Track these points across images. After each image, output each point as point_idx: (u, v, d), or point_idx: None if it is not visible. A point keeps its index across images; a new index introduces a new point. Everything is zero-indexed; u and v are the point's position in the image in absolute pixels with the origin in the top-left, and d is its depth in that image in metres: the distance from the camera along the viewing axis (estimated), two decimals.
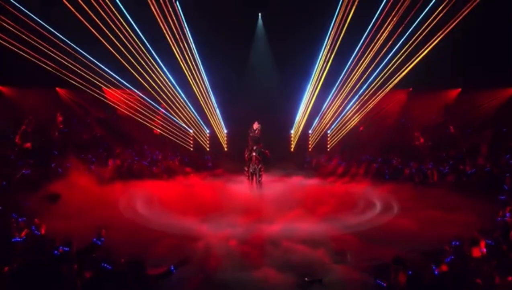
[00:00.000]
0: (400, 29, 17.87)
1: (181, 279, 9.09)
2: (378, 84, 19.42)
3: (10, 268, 8.42)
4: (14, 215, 11.44)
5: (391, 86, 19.29)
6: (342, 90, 20.04)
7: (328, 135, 21.33)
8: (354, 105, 20.42)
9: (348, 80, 19.67)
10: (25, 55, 16.59)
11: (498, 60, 17.75)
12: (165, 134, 20.70)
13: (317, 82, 20.46)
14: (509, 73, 18.05)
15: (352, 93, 20.01)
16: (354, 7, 18.27)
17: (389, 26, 17.91)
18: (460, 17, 17.00)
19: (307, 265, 9.77)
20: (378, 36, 18.28)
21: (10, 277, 8.12)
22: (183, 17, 19.24)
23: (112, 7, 17.22)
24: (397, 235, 11.37)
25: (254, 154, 15.31)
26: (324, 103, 20.76)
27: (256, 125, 15.35)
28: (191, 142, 21.31)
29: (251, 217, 12.90)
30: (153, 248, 10.39)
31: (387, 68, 18.87)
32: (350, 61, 19.32)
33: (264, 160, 15.80)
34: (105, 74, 18.52)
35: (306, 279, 9.20)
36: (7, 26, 16.03)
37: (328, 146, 21.33)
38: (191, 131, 21.16)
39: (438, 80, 19.55)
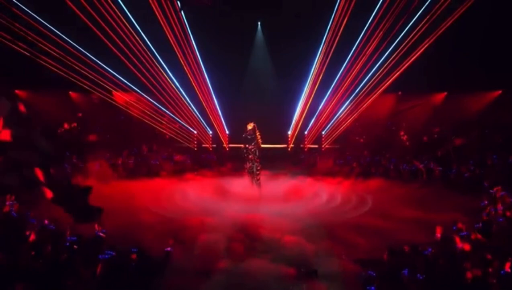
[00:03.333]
0: (390, 37, 17.94)
1: (182, 269, 9.01)
2: (370, 88, 19.37)
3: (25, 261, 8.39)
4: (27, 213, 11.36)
5: (381, 90, 19.24)
6: (336, 93, 20.03)
7: (323, 136, 21.27)
8: (347, 108, 20.32)
9: (342, 84, 19.65)
10: (43, 62, 16.63)
11: (484, 65, 17.66)
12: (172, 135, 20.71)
13: (312, 86, 20.45)
14: (494, 77, 17.96)
15: (345, 97, 19.97)
16: (347, 17, 18.28)
17: (380, 34, 17.98)
18: (445, 26, 17.00)
19: (303, 256, 9.68)
20: (370, 43, 18.31)
21: (24, 270, 8.07)
22: (187, 25, 19.25)
23: (122, 18, 17.39)
24: (387, 230, 11.27)
25: (250, 153, 15.21)
26: (319, 106, 20.73)
27: (250, 126, 15.27)
28: (195, 142, 21.30)
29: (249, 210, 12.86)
30: (154, 237, 10.31)
31: (378, 73, 18.85)
32: (343, 66, 19.37)
33: (262, 158, 15.61)
34: (115, 80, 18.51)
35: (302, 269, 9.15)
36: (24, 34, 15.99)
37: (323, 146, 21.26)
38: (195, 132, 21.15)
39: (425, 85, 19.43)
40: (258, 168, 15.16)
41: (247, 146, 15.13)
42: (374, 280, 8.16)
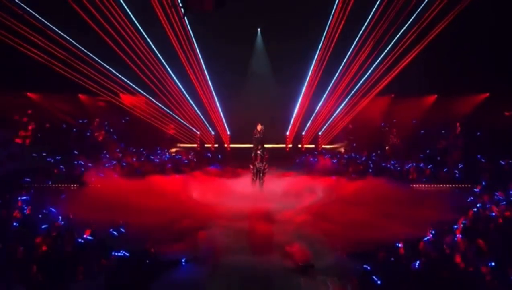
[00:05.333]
0: (383, 42, 18.08)
1: (191, 264, 9.04)
2: (364, 91, 19.46)
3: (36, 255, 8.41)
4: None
5: (375, 92, 19.32)
6: (332, 95, 20.10)
7: (320, 136, 21.32)
8: (342, 110, 20.38)
9: (338, 87, 19.72)
10: (54, 67, 16.81)
11: (473, 68, 17.71)
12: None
13: (310, 89, 20.51)
14: (482, 80, 18.01)
15: (341, 99, 20.05)
16: (342, 23, 18.38)
17: (373, 40, 18.08)
18: (435, 33, 17.09)
19: (301, 251, 9.71)
20: (364, 48, 18.39)
21: (36, 263, 8.09)
22: (191, 31, 19.31)
23: (129, 24, 17.63)
24: (381, 225, 11.28)
25: (259, 152, 15.28)
26: (316, 108, 20.79)
27: (259, 127, 15.34)
28: (198, 142, 21.37)
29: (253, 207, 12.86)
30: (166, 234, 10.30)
31: (372, 77, 18.95)
32: (339, 70, 19.47)
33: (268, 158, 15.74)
34: (122, 83, 18.59)
35: (299, 263, 9.18)
36: (39, 42, 16.14)
37: (320, 146, 21.31)
38: (198, 132, 21.23)
39: (416, 88, 19.47)
40: (266, 167, 15.26)
41: (258, 146, 15.21)
42: (369, 273, 8.19)
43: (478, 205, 11.72)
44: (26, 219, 10.78)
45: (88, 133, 19.38)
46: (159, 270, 8.66)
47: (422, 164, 17.07)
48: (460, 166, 16.39)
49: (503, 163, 15.91)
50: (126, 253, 8.79)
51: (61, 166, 16.10)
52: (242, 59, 21.39)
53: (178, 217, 11.87)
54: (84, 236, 9.47)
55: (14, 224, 10.27)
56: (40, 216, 11.07)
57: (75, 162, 16.53)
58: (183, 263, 9.19)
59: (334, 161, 18.74)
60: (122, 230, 10.13)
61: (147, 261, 8.76)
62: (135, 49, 17.91)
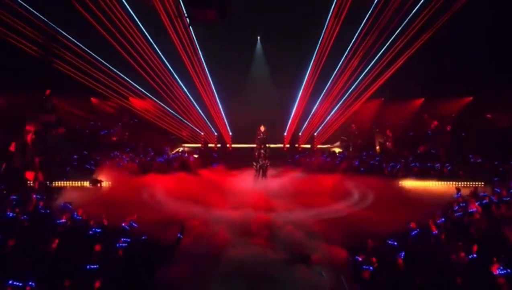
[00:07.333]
0: (374, 50, 18.28)
1: (193, 255, 9.12)
2: (356, 94, 19.64)
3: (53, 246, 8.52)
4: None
5: (366, 96, 19.48)
6: (326, 99, 20.26)
7: (315, 136, 21.45)
8: (336, 112, 20.53)
9: (332, 91, 19.90)
10: (69, 72, 17.00)
11: (457, 74, 17.85)
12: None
13: (306, 93, 20.66)
14: (466, 84, 18.16)
15: (335, 102, 20.21)
16: (337, 29, 18.57)
17: (365, 47, 18.23)
18: (423, 40, 17.24)
19: (297, 243, 9.79)
20: (357, 54, 18.61)
21: (52, 254, 8.21)
22: (195, 39, 19.45)
23: (139, 33, 18.00)
24: (372, 220, 11.40)
25: (262, 151, 15.55)
26: (312, 110, 20.94)
27: (262, 128, 15.59)
28: (202, 141, 21.53)
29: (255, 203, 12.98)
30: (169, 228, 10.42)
31: (363, 82, 19.12)
32: (333, 75, 19.62)
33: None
34: (132, 87, 18.76)
35: (296, 255, 9.25)
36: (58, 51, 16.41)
37: (315, 146, 21.44)
38: (202, 133, 21.36)
39: (405, 92, 19.61)
40: (268, 164, 15.54)
41: (261, 146, 15.47)
42: (361, 265, 8.29)
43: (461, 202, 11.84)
44: (40, 214, 10.90)
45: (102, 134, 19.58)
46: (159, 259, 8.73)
47: (410, 162, 17.21)
48: (446, 164, 16.48)
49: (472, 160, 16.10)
50: (128, 239, 8.91)
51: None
52: (243, 64, 21.54)
53: (184, 211, 12.03)
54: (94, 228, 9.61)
55: (23, 217, 10.30)
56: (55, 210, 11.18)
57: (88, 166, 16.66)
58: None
59: (328, 160, 18.87)
60: (134, 224, 10.22)
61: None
62: (144, 57, 18.10)
